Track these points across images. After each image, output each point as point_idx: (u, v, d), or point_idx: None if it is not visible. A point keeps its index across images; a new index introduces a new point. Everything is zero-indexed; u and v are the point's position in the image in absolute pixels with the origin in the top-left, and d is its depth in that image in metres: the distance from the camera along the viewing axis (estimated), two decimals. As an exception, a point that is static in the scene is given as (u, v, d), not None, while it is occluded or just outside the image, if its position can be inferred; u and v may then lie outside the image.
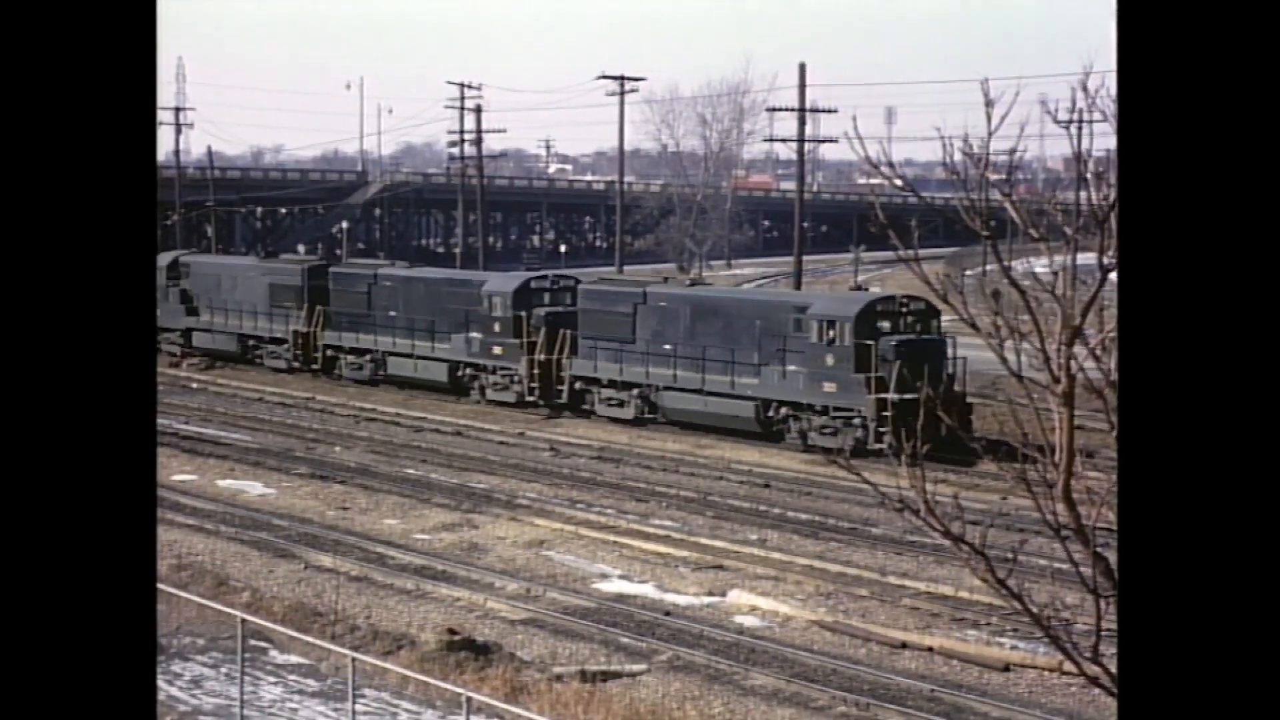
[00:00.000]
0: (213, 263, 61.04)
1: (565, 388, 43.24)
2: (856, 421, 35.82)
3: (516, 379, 44.46)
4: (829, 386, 36.43)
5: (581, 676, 20.19)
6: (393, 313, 48.55)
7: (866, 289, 38.94)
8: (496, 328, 44.63)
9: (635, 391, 41.51)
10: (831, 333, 36.58)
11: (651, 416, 41.50)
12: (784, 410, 37.83)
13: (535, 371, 43.60)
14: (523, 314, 44.06)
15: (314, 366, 51.60)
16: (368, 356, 49.65)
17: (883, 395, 34.80)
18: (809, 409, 37.14)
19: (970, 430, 33.98)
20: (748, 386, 38.50)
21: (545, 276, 47.27)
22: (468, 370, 46.33)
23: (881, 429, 34.64)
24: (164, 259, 58.83)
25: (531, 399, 44.00)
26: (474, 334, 45.48)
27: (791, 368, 37.28)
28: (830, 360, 36.46)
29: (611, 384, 42.11)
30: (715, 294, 45.50)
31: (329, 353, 51.09)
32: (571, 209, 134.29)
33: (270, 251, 62.55)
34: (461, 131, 74.82)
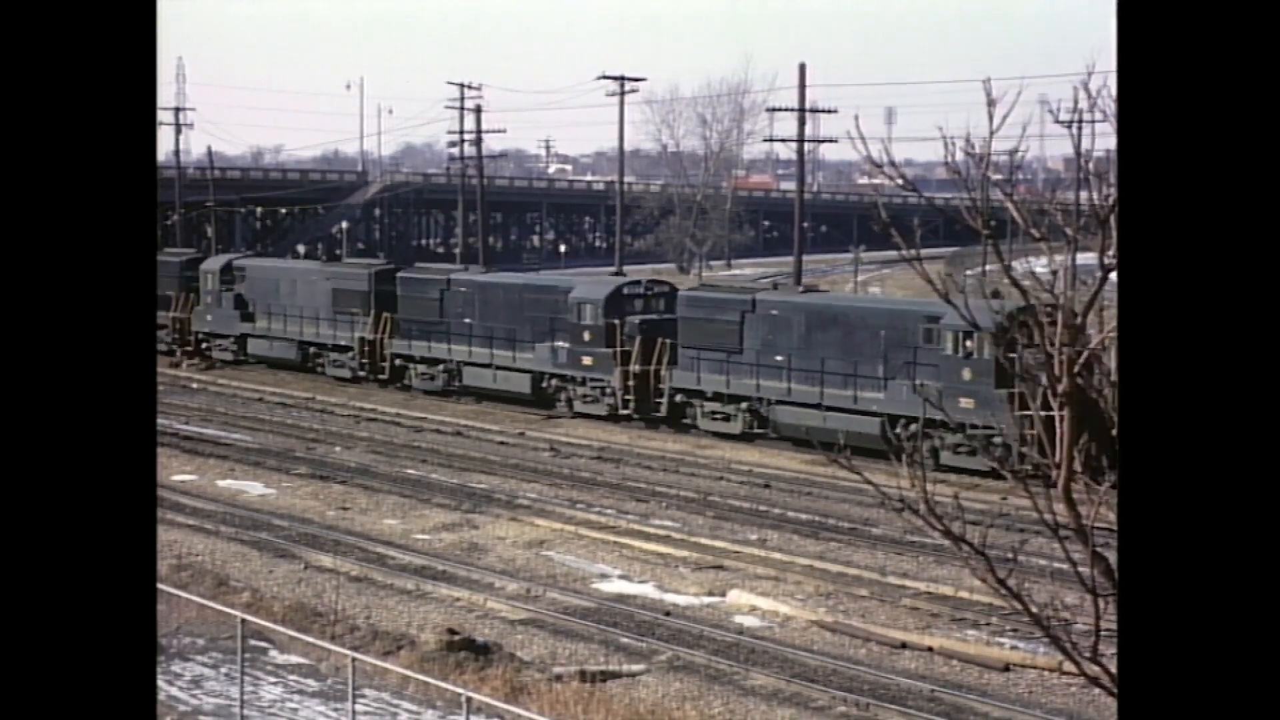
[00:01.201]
0: (270, 266, 57.61)
1: (664, 400, 40.71)
2: (998, 440, 32.82)
3: (609, 391, 41.96)
4: (966, 402, 33.80)
5: (581, 676, 20.19)
6: (468, 320, 45.84)
7: (1003, 296, 35.44)
8: (586, 336, 42.16)
9: (744, 405, 39.03)
10: (969, 344, 34.42)
11: (760, 431, 39.26)
12: (914, 427, 35.32)
13: (630, 383, 41.08)
14: (615, 322, 41.49)
15: (381, 376, 48.92)
16: (440, 367, 47.01)
17: (1027, 412, 32.17)
18: (943, 426, 34.34)
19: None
20: (872, 401, 36.24)
21: (639, 282, 44.62)
22: (553, 381, 43.72)
23: (1025, 448, 31.53)
24: (216, 262, 56.80)
25: (626, 412, 41.63)
26: (560, 343, 42.92)
27: (922, 381, 34.56)
28: (968, 374, 34.34)
29: (716, 397, 39.65)
30: (834, 301, 42.10)
31: (397, 362, 48.48)
32: (571, 209, 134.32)
33: (334, 254, 59.53)
34: (461, 132, 74.86)
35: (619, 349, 41.40)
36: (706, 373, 39.74)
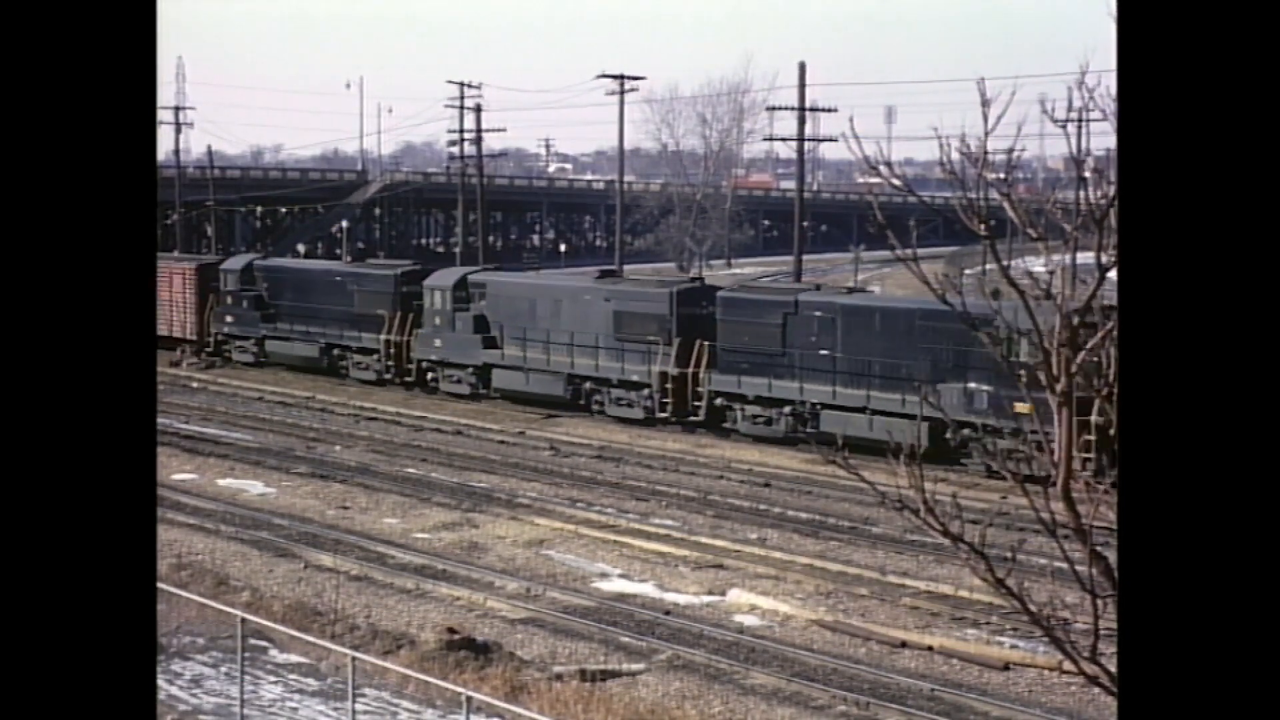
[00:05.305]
0: (521, 283, 48.26)
1: None
2: None
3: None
4: None
5: (581, 676, 20.20)
6: (826, 351, 37.51)
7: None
8: (1025, 377, 33.47)
9: None
10: None
11: None
12: None
13: (1091, 438, 31.77)
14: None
15: (693, 417, 40.54)
16: (787, 408, 38.42)
17: None
18: None
19: None
20: None
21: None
22: (964, 432, 34.58)
23: None
24: (448, 277, 48.23)
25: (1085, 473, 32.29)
26: (978, 384, 34.22)
27: None
28: None
29: None
30: None
31: (718, 401, 39.94)
32: (571, 208, 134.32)
33: (608, 269, 50.55)
34: (461, 131, 74.78)
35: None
36: None
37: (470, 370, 46.49)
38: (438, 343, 47.15)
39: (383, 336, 48.84)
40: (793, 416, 38.37)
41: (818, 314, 38.09)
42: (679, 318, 40.84)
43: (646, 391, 41.47)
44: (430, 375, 47.94)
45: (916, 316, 36.19)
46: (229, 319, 55.14)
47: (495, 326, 45.51)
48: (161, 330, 56.60)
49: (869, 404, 36.40)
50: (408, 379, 48.44)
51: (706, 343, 39.94)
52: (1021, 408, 31.85)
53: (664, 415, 40.92)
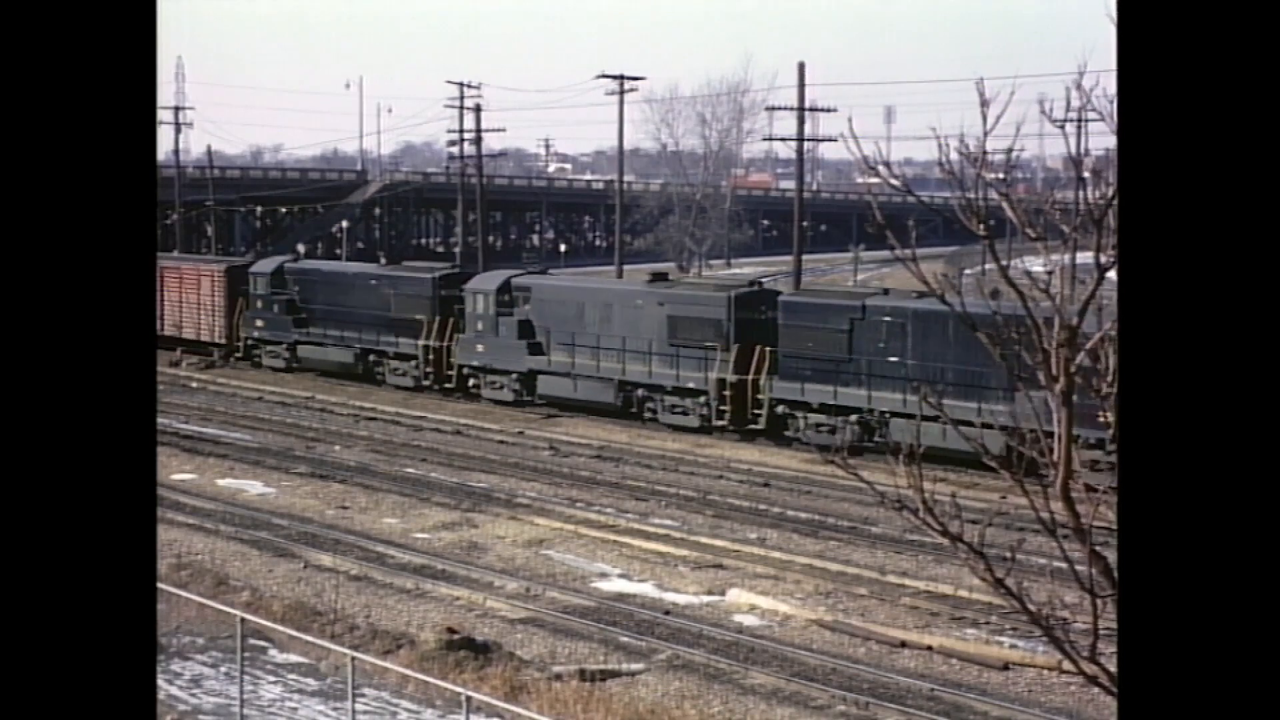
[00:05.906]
0: (569, 287, 46.23)
1: None
2: None
3: None
4: None
5: (581, 675, 20.20)
6: (896, 358, 36.24)
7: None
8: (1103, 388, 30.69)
9: None
10: None
11: None
12: None
13: None
14: None
15: (753, 425, 39.23)
16: (854, 417, 36.89)
17: None
18: None
19: None
20: None
21: None
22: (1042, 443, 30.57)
23: None
24: (491, 281, 46.45)
25: None
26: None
27: None
28: None
29: None
30: None
31: (779, 409, 38.49)
32: (571, 208, 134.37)
33: (659, 273, 47.34)
34: (461, 131, 74.79)
35: None
36: None
37: (515, 376, 44.99)
38: (480, 348, 45.54)
39: (421, 342, 47.46)
40: (859, 425, 36.84)
41: (886, 319, 36.72)
42: (737, 323, 39.48)
43: (703, 399, 40.09)
44: (472, 382, 46.40)
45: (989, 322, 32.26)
46: (259, 323, 53.92)
47: (541, 331, 43.97)
48: (189, 334, 56.12)
49: (942, 413, 33.31)
50: (448, 385, 47.01)
51: (767, 349, 38.67)
52: (1103, 417, 28.28)
53: (721, 423, 39.65)
